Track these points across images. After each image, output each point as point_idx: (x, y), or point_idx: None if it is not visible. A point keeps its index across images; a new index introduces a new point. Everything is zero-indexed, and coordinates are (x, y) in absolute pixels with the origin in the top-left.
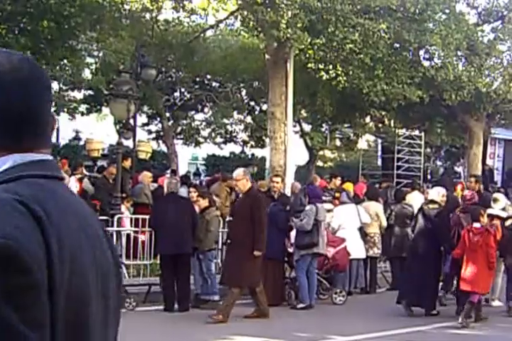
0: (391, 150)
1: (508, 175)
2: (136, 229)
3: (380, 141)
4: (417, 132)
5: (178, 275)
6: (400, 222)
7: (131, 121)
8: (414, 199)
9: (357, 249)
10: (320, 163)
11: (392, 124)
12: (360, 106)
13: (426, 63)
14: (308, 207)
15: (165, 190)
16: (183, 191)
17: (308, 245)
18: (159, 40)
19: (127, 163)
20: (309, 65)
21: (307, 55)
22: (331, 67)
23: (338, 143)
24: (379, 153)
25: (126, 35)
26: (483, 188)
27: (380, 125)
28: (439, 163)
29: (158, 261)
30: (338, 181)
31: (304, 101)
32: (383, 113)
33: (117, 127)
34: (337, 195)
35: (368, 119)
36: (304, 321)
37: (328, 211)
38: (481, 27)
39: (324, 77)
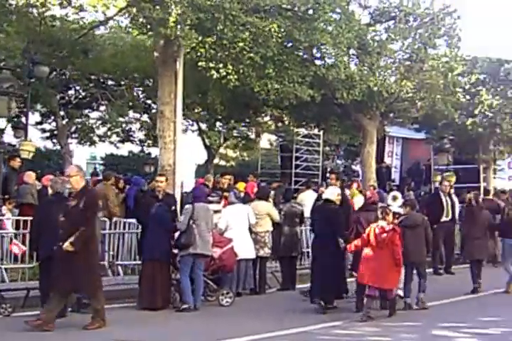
0: (290, 149)
1: (409, 173)
2: (16, 231)
3: (279, 139)
4: (315, 131)
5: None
6: (289, 221)
7: (23, 119)
8: (308, 198)
9: (245, 249)
10: (223, 162)
11: (289, 123)
12: (254, 105)
13: (318, 62)
14: (185, 207)
15: (49, 190)
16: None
17: (184, 245)
18: (47, 37)
19: (15, 163)
20: (200, 64)
21: (198, 54)
22: (221, 65)
23: (235, 141)
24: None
25: (13, 31)
26: (379, 186)
27: (279, 124)
28: (338, 161)
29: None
30: (225, 180)
31: (196, 100)
32: (279, 111)
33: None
34: (225, 194)
35: (267, 118)
36: (189, 324)
37: (217, 211)
38: (374, 27)
39: (215, 76)
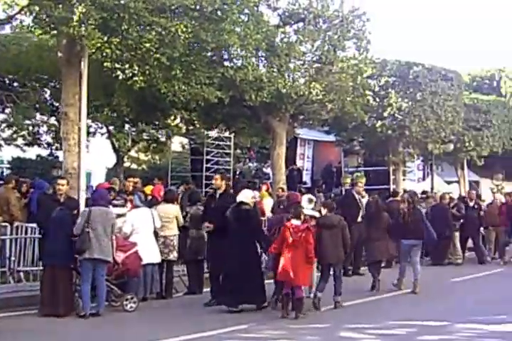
0: (200, 152)
1: (321, 175)
2: None
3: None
4: (226, 134)
5: None
6: (195, 224)
7: None
8: None
9: (151, 254)
10: (134, 166)
11: (200, 125)
12: (161, 106)
13: (226, 63)
14: (81, 211)
15: None
16: None
17: (79, 250)
18: None
19: None
20: (105, 64)
21: (103, 54)
22: (127, 66)
23: (146, 144)
24: None
25: None
26: (290, 189)
27: (191, 127)
28: (250, 164)
29: None
30: (130, 183)
31: (102, 102)
32: (189, 114)
33: None
34: (130, 197)
35: (177, 120)
36: (89, 331)
37: (121, 215)
38: (283, 29)
39: (120, 77)
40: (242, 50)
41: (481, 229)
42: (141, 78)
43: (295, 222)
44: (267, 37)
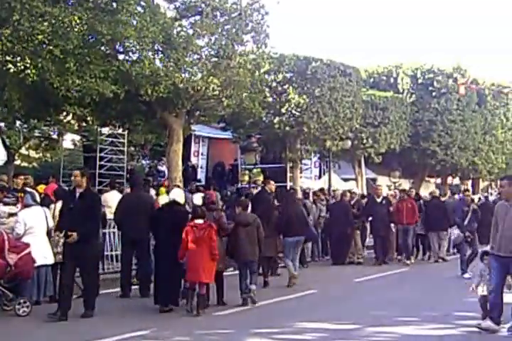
0: (93, 149)
1: (213, 173)
2: None
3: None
4: (120, 131)
5: None
6: None
7: None
8: (113, 199)
9: (44, 255)
10: (25, 164)
11: (92, 122)
12: (54, 102)
13: (121, 57)
14: None
15: None
16: None
17: None
18: None
19: None
20: None
21: None
22: (18, 59)
23: (37, 142)
24: None
25: None
26: (185, 186)
27: (83, 124)
28: (144, 161)
29: None
30: (20, 180)
31: None
32: (82, 110)
33: None
34: (21, 195)
35: (69, 117)
36: None
37: (13, 214)
38: (180, 21)
39: (12, 70)
40: (138, 42)
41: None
42: (33, 71)
43: (198, 220)
44: (164, 29)
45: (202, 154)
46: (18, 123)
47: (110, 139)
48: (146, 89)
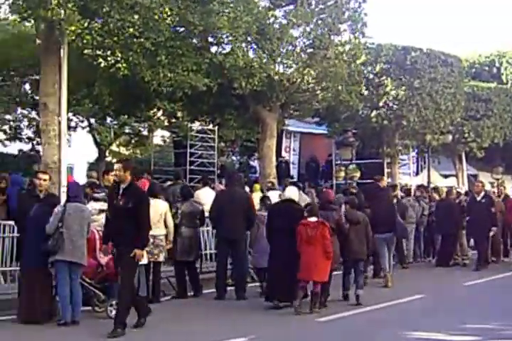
0: (183, 145)
1: (306, 169)
2: None
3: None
4: (210, 126)
5: None
6: (188, 221)
7: None
8: (206, 196)
9: None
10: (115, 160)
11: (183, 118)
12: (146, 97)
13: (213, 49)
14: (56, 208)
15: None
16: None
17: (50, 251)
18: None
19: None
20: (86, 52)
21: (84, 41)
22: (109, 53)
23: (128, 138)
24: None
25: None
26: (278, 183)
27: (173, 120)
28: (234, 157)
29: None
30: (111, 177)
31: (83, 92)
32: (172, 105)
33: None
34: None
35: (159, 113)
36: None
37: (103, 211)
38: (273, 11)
39: (102, 64)
40: (231, 33)
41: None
42: (124, 65)
43: (311, 218)
44: (258, 19)
45: (294, 150)
46: (108, 119)
47: (200, 135)
48: (240, 82)
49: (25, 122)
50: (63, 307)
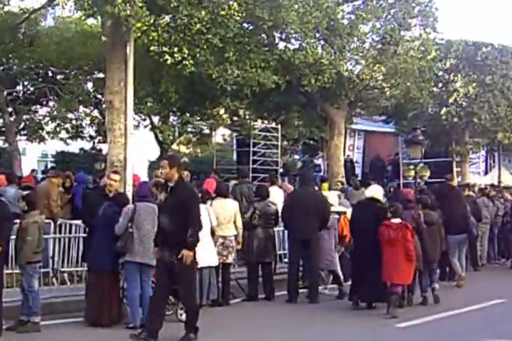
0: (246, 144)
1: (370, 168)
2: None
3: (234, 134)
4: (273, 124)
5: None
6: (264, 222)
7: None
8: (275, 195)
9: (208, 256)
10: None
11: (246, 116)
12: (211, 94)
13: (281, 45)
14: (125, 207)
15: None
16: (10, 191)
17: (120, 252)
18: None
19: None
20: (152, 48)
21: (150, 38)
22: (176, 49)
23: (189, 137)
24: (234, 147)
25: None
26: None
27: (235, 118)
28: (296, 156)
29: None
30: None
31: (148, 90)
32: (236, 103)
33: None
34: None
35: (221, 111)
36: None
37: None
38: (342, 6)
39: (169, 61)
40: (300, 28)
41: None
42: (190, 62)
43: (394, 220)
44: (327, 15)
45: (358, 148)
46: (171, 118)
47: (263, 133)
48: (309, 79)
49: (87, 121)
50: (132, 310)
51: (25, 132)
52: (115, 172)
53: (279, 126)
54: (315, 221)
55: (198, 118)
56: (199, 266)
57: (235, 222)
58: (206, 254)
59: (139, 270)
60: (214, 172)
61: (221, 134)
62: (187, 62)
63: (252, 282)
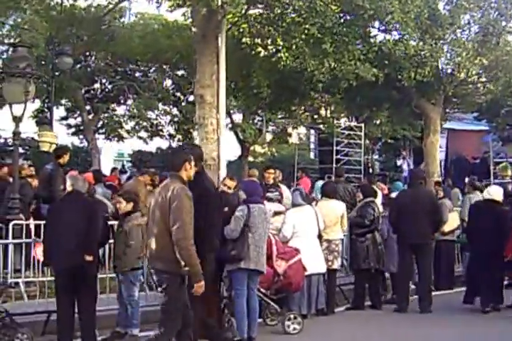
0: (329, 143)
1: (455, 167)
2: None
3: (312, 132)
4: (356, 123)
5: (79, 298)
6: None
7: (48, 114)
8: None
9: (316, 262)
10: (250, 158)
11: (328, 114)
12: (301, 89)
13: (379, 36)
14: (238, 209)
15: (69, 187)
16: (98, 190)
17: (235, 258)
18: (69, 17)
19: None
20: (244, 40)
21: (241, 30)
22: (269, 41)
23: (270, 135)
24: (312, 146)
25: (30, 9)
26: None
27: (315, 116)
28: (376, 156)
29: None
30: (270, 175)
31: (237, 84)
32: (324, 99)
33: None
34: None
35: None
36: None
37: (278, 213)
38: None
39: (262, 54)
40: (402, 18)
41: None
42: (286, 54)
43: None
44: (428, 3)
45: (440, 147)
46: (254, 116)
47: (346, 132)
48: (409, 72)
49: (167, 119)
50: (239, 321)
51: (103, 131)
52: (231, 178)
53: (363, 125)
54: (427, 223)
55: (280, 116)
56: (307, 273)
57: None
58: (314, 260)
59: (248, 278)
60: (302, 172)
61: (296, 132)
62: (282, 55)
63: (360, 290)
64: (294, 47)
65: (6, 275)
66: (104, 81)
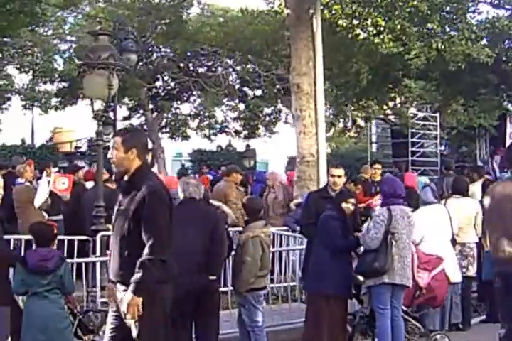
0: (403, 135)
1: None
2: None
3: (374, 123)
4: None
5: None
6: None
7: (111, 114)
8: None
9: (451, 270)
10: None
11: (398, 105)
12: (393, 75)
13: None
14: (378, 212)
15: (180, 194)
16: None
17: (378, 272)
18: (143, 4)
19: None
20: (339, 22)
21: (333, 12)
22: (369, 22)
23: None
24: (373, 139)
25: None
26: None
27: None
28: (442, 147)
29: None
30: (377, 170)
31: (332, 70)
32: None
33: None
34: None
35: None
36: None
37: None
38: None
39: (361, 36)
40: None
41: None
42: (388, 36)
43: None
44: None
45: None
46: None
47: (421, 122)
48: None
49: (233, 115)
50: None
51: (166, 130)
52: (336, 166)
53: (438, 115)
54: None
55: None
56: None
57: (475, 225)
58: (449, 268)
59: (391, 293)
60: (395, 166)
61: (375, 124)
62: (384, 36)
63: (493, 300)
64: (398, 27)
65: (94, 298)
66: (166, 78)
